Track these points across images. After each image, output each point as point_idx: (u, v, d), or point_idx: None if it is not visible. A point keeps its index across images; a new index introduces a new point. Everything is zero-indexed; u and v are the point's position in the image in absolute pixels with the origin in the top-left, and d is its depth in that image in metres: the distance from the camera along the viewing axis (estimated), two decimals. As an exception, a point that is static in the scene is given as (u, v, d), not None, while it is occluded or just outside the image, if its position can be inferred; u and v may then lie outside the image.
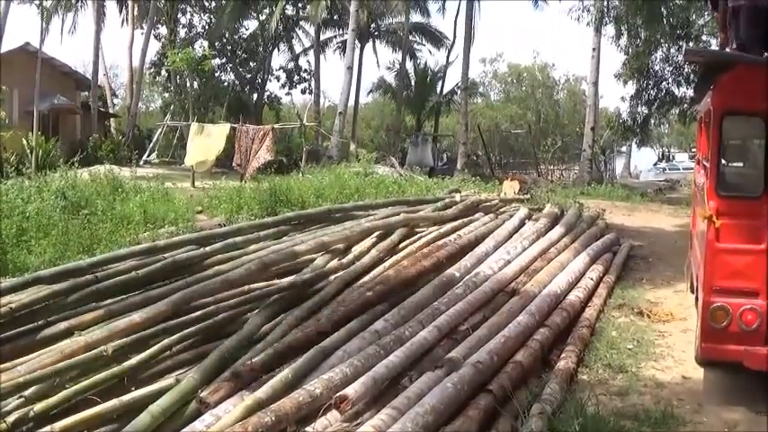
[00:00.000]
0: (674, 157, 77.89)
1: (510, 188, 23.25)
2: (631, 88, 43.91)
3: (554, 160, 52.44)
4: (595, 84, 44.37)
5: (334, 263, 12.07)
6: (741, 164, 12.19)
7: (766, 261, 8.40)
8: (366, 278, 11.63)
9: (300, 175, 29.03)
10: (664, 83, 42.85)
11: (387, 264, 12.56)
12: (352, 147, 40.03)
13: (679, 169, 61.56)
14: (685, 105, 40.84)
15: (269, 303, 10.06)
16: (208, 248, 11.76)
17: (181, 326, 9.09)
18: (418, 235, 14.49)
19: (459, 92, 48.88)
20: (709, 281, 8.66)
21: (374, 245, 13.20)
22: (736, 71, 8.67)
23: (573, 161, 49.54)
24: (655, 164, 75.38)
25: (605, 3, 44.48)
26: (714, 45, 47.18)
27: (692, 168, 24.91)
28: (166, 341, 8.64)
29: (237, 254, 11.78)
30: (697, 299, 9.49)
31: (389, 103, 60.11)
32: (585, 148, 43.11)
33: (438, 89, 58.20)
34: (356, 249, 12.95)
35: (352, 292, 10.69)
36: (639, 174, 71.13)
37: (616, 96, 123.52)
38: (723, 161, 9.49)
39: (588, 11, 45.42)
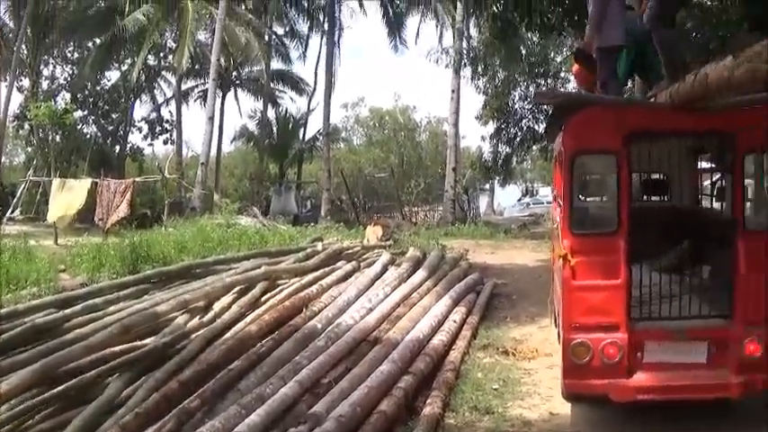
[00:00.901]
0: (537, 192, 79.07)
1: (373, 234, 23.33)
2: (492, 128, 44.56)
3: (418, 202, 52.73)
4: (455, 125, 45.00)
5: (195, 321, 12.01)
6: (595, 200, 12.53)
7: (624, 295, 8.59)
8: (227, 335, 11.52)
9: (163, 228, 28.75)
10: (524, 120, 43.59)
11: (248, 319, 12.41)
12: (216, 197, 39.67)
13: (543, 203, 62.55)
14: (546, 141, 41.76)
15: (130, 366, 9.93)
16: (68, 311, 11.65)
17: (42, 392, 8.96)
18: (280, 287, 14.42)
19: (321, 138, 48.96)
20: (568, 318, 8.80)
21: (235, 300, 13.15)
22: (586, 112, 8.91)
23: (437, 202, 49.92)
24: (519, 199, 76.51)
25: (463, 44, 45.09)
26: (572, 81, 48.49)
27: (556, 201, 25.51)
28: (25, 407, 8.51)
29: (99, 315, 11.68)
30: (560, 334, 9.62)
31: (252, 152, 59.90)
32: (448, 189, 43.53)
33: (300, 136, 58.17)
34: (217, 306, 12.87)
35: (213, 350, 10.55)
36: (503, 210, 72.21)
37: (478, 135, 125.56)
38: (578, 198, 9.77)
39: (447, 53, 46.07)
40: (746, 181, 8.88)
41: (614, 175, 8.95)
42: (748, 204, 9.34)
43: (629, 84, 12.99)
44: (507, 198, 78.62)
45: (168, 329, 11.50)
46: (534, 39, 31.86)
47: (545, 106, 35.83)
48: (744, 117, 8.67)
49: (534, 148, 44.90)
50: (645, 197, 12.42)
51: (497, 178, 54.57)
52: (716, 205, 10.31)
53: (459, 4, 41.27)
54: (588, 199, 12.22)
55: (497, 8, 19.35)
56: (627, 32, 10.38)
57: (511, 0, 18.50)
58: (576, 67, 12.61)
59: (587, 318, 8.64)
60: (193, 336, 11.28)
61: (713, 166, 11.35)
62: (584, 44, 11.59)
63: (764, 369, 8.47)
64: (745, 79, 6.32)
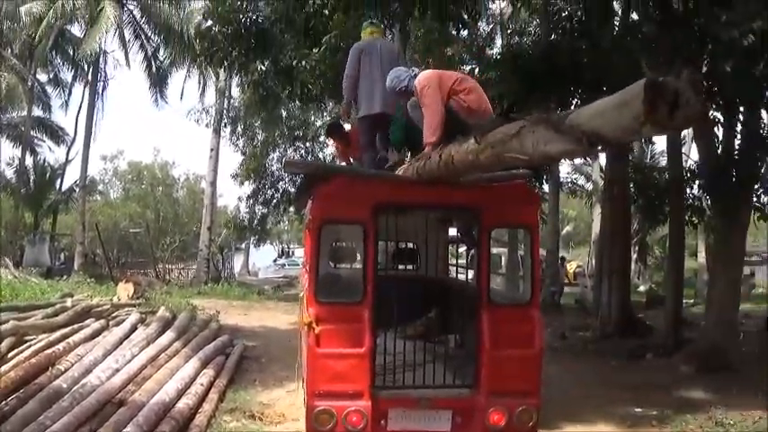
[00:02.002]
0: (293, 253, 79.28)
1: (124, 291, 22.94)
2: (249, 188, 44.79)
3: (173, 259, 52.16)
4: (213, 184, 45.02)
5: (-65, 377, 11.57)
6: (342, 269, 12.79)
7: (368, 363, 8.74)
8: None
9: None
10: (281, 182, 44.00)
11: (-7, 375, 12.03)
12: (-31, 246, 38.26)
13: (298, 265, 62.85)
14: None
15: None
16: None
17: None
18: (28, 344, 13.95)
19: (77, 189, 47.93)
20: (312, 385, 8.85)
21: (-21, 356, 12.69)
22: (333, 182, 9.11)
23: (192, 260, 49.59)
24: (275, 260, 76.64)
25: (225, 104, 45.26)
26: (331, 145, 49.27)
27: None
28: None
29: None
30: (305, 400, 9.57)
31: (8, 200, 58.05)
32: (202, 248, 43.56)
33: (57, 186, 56.63)
34: (-40, 361, 12.40)
35: (-47, 407, 10.18)
36: (258, 271, 72.16)
37: (236, 194, 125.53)
38: (324, 267, 9.93)
39: (207, 112, 46.12)
40: (499, 251, 9.29)
41: (360, 245, 9.22)
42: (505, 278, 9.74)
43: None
44: (263, 258, 78.66)
45: None
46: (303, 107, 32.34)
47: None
48: (489, 193, 9.12)
49: (291, 209, 45.28)
50: (395, 266, 12.73)
51: (252, 238, 54.71)
52: (466, 276, 10.67)
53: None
54: (335, 268, 12.49)
55: (259, 76, 19.62)
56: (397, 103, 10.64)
57: (272, 69, 18.80)
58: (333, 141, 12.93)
59: (331, 385, 8.73)
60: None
61: (460, 238, 11.78)
62: (338, 115, 11.97)
63: (509, 438, 8.86)
64: (490, 162, 6.72)
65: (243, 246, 67.68)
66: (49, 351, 13.34)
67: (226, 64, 20.81)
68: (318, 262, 9.21)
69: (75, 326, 15.76)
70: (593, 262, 38.83)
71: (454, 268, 12.69)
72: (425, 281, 12.11)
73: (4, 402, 10.53)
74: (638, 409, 13.79)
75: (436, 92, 9.01)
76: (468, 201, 9.16)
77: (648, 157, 44.97)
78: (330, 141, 14.63)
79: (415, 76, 9.70)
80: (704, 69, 16.75)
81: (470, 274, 10.28)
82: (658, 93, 3.84)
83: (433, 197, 9.03)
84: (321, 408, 8.72)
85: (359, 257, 9.89)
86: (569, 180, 47.31)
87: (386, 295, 9.01)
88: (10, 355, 13.24)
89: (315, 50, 17.36)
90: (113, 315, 18.32)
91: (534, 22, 29.18)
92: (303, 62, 17.32)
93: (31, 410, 10.22)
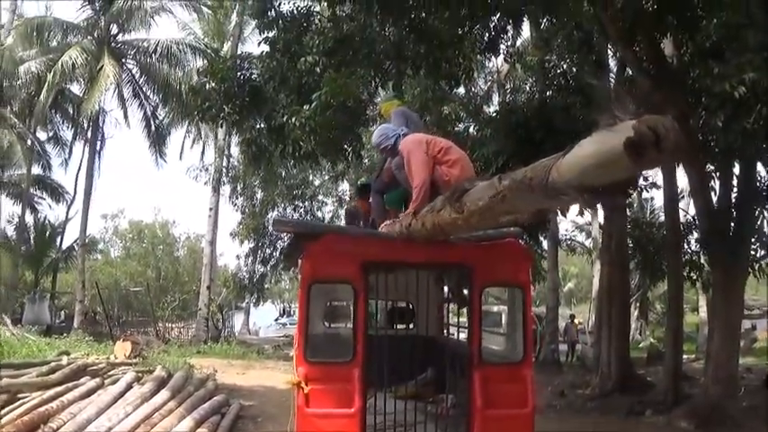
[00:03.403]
0: (294, 312, 79.07)
1: (121, 350, 22.89)
2: (248, 247, 44.81)
3: (173, 318, 52.00)
4: (212, 243, 44.97)
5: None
6: (332, 328, 12.74)
7: (358, 424, 8.58)
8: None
9: None
10: (279, 241, 43.98)
11: (-16, 433, 11.99)
12: (-31, 302, 38.13)
13: (299, 324, 62.69)
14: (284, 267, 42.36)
15: None
16: None
17: None
18: (21, 401, 13.95)
19: (77, 248, 47.89)
20: None
21: (-30, 413, 12.65)
22: (323, 240, 9.03)
23: (192, 318, 49.40)
24: (276, 319, 76.40)
25: (224, 163, 45.40)
26: (330, 204, 49.34)
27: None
28: None
29: None
30: None
31: (8, 257, 57.97)
32: (201, 307, 43.38)
33: (57, 244, 56.66)
34: (-49, 418, 12.36)
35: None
36: (259, 330, 71.86)
37: (236, 254, 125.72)
38: (314, 326, 9.79)
39: (207, 170, 46.26)
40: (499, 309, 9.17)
41: (351, 303, 9.17)
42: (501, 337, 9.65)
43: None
44: (264, 318, 78.34)
45: None
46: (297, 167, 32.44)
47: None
48: (481, 251, 9.06)
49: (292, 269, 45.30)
50: (392, 325, 12.54)
51: (251, 297, 54.60)
52: (459, 335, 10.54)
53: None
54: (329, 327, 12.45)
55: (252, 134, 19.69)
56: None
57: (265, 127, 18.86)
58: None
59: None
60: None
61: (451, 298, 11.71)
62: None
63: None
64: (481, 224, 6.69)
65: (244, 305, 67.43)
66: (42, 409, 13.30)
67: (219, 121, 20.89)
68: (308, 320, 9.10)
69: (70, 384, 15.70)
70: (594, 318, 38.70)
71: (452, 327, 12.62)
72: (421, 340, 11.99)
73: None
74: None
75: (422, 157, 9.03)
76: (460, 259, 9.10)
77: (648, 212, 45.01)
78: (355, 202, 14.78)
79: (405, 134, 9.73)
80: (699, 123, 16.87)
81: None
82: (641, 146, 3.81)
83: (424, 255, 8.89)
84: None
85: (346, 318, 9.85)
86: (568, 237, 47.24)
87: (380, 355, 8.92)
88: (2, 412, 13.19)
89: (306, 107, 17.41)
90: (109, 374, 18.28)
91: (530, 80, 29.27)
92: (294, 119, 17.35)
93: (20, 469, 10.19)
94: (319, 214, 47.10)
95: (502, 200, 5.48)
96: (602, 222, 32.16)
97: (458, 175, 8.90)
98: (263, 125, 19.05)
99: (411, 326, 12.96)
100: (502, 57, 26.67)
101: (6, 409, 13.37)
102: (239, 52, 25.64)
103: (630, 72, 21.34)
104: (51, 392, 14.67)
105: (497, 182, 5.54)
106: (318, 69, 18.34)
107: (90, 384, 16.06)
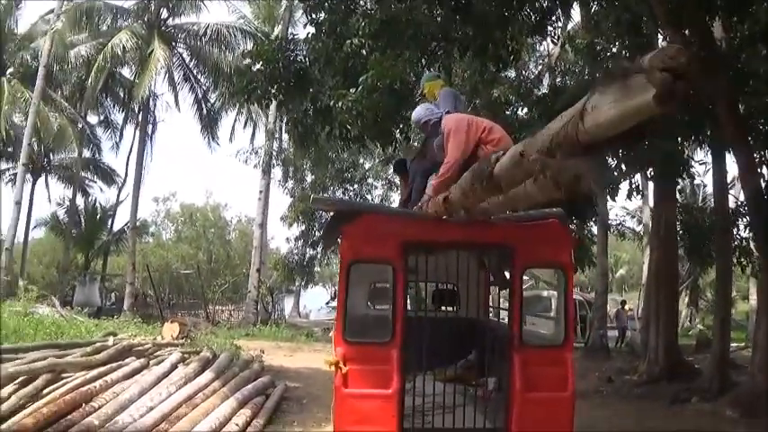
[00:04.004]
0: (346, 297, 78.82)
1: (169, 331, 22.96)
2: (297, 230, 44.82)
3: (224, 300, 52.22)
4: (262, 225, 45.04)
5: (-29, 411, 11.61)
6: (371, 309, 12.68)
7: (395, 405, 8.61)
8: (3, 427, 11.17)
9: (-40, 313, 27.89)
10: (328, 225, 43.96)
11: (27, 411, 11.98)
12: (21, 284, 38.27)
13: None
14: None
15: None
16: None
17: None
18: (64, 380, 13.98)
19: (128, 230, 48.11)
20: (339, 426, 8.76)
21: (15, 391, 12.74)
22: (362, 220, 9.05)
23: (242, 301, 49.46)
24: (327, 302, 76.29)
25: (274, 146, 45.37)
26: (380, 187, 49.23)
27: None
28: None
29: None
30: None
31: (61, 240, 58.37)
32: (251, 290, 43.45)
33: (108, 227, 57.22)
34: (-4, 396, 12.41)
35: (-15, 442, 10.19)
36: (309, 313, 71.92)
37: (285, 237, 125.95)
38: (353, 306, 9.62)
39: (256, 153, 46.26)
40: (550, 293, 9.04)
41: (390, 284, 9.13)
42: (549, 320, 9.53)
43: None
44: (315, 301, 78.26)
45: (-59, 418, 11.13)
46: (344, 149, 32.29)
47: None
48: (522, 231, 8.98)
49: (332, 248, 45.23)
50: (436, 307, 12.41)
51: (301, 281, 54.58)
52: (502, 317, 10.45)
53: (272, 106, 41.57)
54: (366, 308, 12.38)
55: (297, 114, 19.63)
56: None
57: (311, 108, 18.78)
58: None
59: (358, 426, 8.64)
60: (-33, 426, 10.91)
61: (491, 279, 11.59)
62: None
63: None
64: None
65: (294, 288, 67.38)
66: (84, 388, 13.33)
67: (264, 102, 20.82)
68: (346, 300, 9.11)
69: (114, 364, 15.73)
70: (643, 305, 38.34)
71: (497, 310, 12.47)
72: (464, 322, 11.99)
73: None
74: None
75: (462, 137, 8.93)
76: (501, 239, 9.07)
77: (700, 198, 44.57)
78: (397, 178, 14.70)
79: (448, 112, 9.65)
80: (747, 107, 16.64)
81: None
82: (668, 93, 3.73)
83: (464, 235, 8.94)
84: None
85: (386, 298, 9.78)
86: (618, 222, 46.76)
87: (422, 337, 8.93)
88: (45, 391, 13.27)
89: (352, 90, 17.30)
90: (155, 354, 18.31)
91: (580, 63, 29.00)
92: (340, 102, 17.24)
93: (60, 446, 10.21)
94: (369, 197, 46.95)
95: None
96: (652, 207, 31.86)
97: None
98: (309, 106, 18.96)
99: (455, 308, 12.87)
100: (551, 40, 26.51)
101: (49, 388, 13.41)
102: (289, 35, 25.54)
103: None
104: (95, 372, 14.71)
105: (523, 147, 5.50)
106: (364, 52, 18.23)
107: (134, 364, 16.09)
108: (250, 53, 21.10)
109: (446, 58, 19.90)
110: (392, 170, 16.46)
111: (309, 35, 19.77)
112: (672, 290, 25.09)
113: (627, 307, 45.45)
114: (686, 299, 47.99)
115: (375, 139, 19.89)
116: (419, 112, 10.17)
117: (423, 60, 19.41)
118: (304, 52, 19.95)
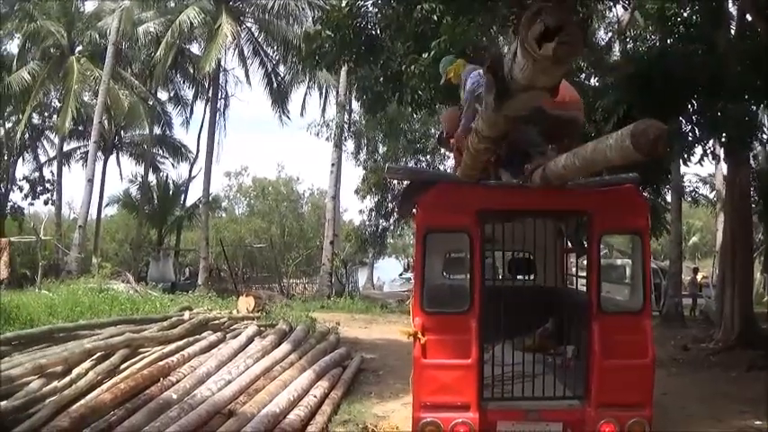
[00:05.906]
0: (419, 267, 78.50)
1: (244, 305, 23.10)
2: (370, 202, 44.71)
3: (298, 273, 52.33)
4: (334, 198, 44.98)
5: (50, 386, 11.74)
6: (448, 278, 12.60)
7: (475, 375, 8.59)
8: (82, 402, 11.24)
9: (37, 290, 28.28)
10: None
11: (105, 386, 12.12)
12: (95, 260, 38.77)
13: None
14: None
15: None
16: None
17: None
18: (141, 355, 14.14)
19: (201, 206, 48.43)
20: (418, 397, 8.73)
21: (93, 367, 12.87)
22: (437, 189, 9.02)
23: (316, 274, 49.51)
24: (400, 274, 76.13)
25: (345, 118, 45.27)
26: (452, 158, 49.01)
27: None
28: None
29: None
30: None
31: (134, 217, 58.89)
32: (325, 262, 43.43)
33: (181, 202, 57.67)
34: (75, 372, 12.56)
35: (65, 417, 10.23)
36: (383, 285, 71.83)
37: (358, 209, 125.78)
38: (430, 276, 9.71)
39: (328, 126, 46.18)
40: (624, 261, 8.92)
41: (466, 253, 9.08)
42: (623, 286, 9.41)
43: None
44: (388, 272, 78.25)
45: (21, 393, 11.28)
46: (415, 115, 32.02)
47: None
48: (599, 197, 8.86)
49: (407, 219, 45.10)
50: (512, 276, 12.39)
51: (374, 252, 54.48)
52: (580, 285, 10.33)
53: (341, 76, 41.45)
54: (443, 277, 12.31)
55: (367, 82, 19.54)
56: None
57: (381, 75, 18.70)
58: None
59: (437, 397, 8.62)
60: (47, 401, 11.05)
61: (569, 246, 11.49)
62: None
63: (620, 451, 8.55)
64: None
65: (368, 260, 67.41)
66: (162, 363, 13.51)
67: (335, 67, 20.76)
68: (424, 270, 9.12)
69: (191, 338, 15.94)
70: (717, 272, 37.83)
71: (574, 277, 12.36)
72: (542, 291, 11.99)
73: (111, 413, 10.62)
74: (758, 422, 13.29)
75: None
76: (577, 205, 9.00)
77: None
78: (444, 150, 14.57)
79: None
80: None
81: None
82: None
83: (540, 202, 8.87)
84: (427, 420, 8.61)
85: (463, 267, 9.72)
86: (692, 189, 46.10)
87: (500, 306, 8.88)
88: (123, 366, 13.43)
89: (424, 56, 17.19)
90: (231, 328, 18.48)
91: (650, 29, 28.57)
92: (412, 67, 17.17)
93: (138, 421, 10.29)
94: (442, 167, 46.74)
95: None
96: (725, 174, 31.39)
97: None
98: (379, 72, 18.87)
99: (532, 276, 12.79)
100: (622, 6, 26.11)
101: (127, 363, 13.56)
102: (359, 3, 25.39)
103: (750, 20, 20.66)
104: (172, 347, 14.91)
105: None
106: (435, 17, 18.08)
107: (211, 338, 16.28)
108: (320, 19, 21.06)
109: (518, 23, 19.68)
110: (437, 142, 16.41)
111: (380, 1, 19.66)
112: (746, 257, 24.67)
113: (700, 275, 44.85)
114: (761, 266, 47.19)
115: (445, 104, 19.73)
116: (473, 81, 9.92)
117: (495, 26, 19.23)
118: (375, 19, 19.84)
